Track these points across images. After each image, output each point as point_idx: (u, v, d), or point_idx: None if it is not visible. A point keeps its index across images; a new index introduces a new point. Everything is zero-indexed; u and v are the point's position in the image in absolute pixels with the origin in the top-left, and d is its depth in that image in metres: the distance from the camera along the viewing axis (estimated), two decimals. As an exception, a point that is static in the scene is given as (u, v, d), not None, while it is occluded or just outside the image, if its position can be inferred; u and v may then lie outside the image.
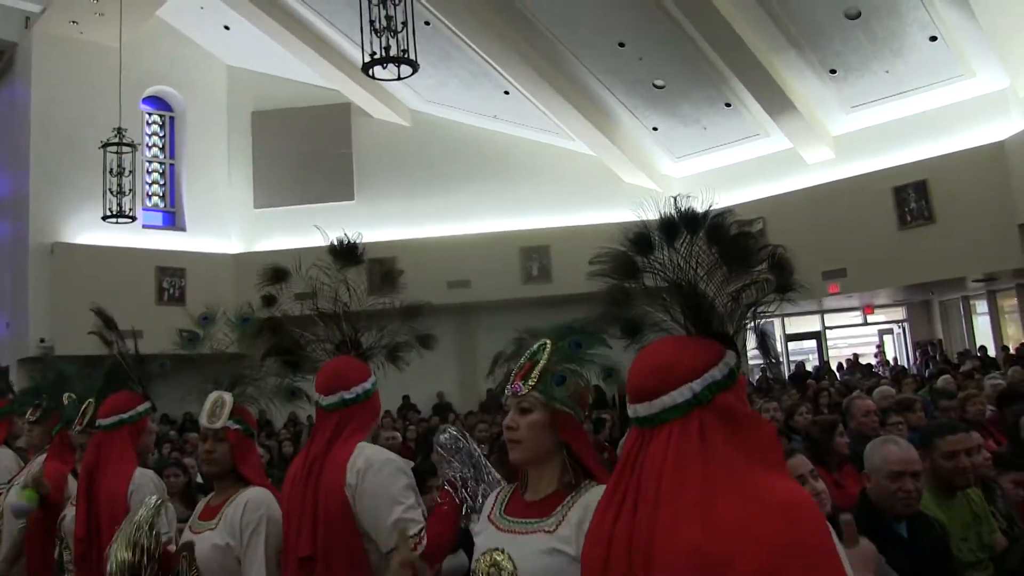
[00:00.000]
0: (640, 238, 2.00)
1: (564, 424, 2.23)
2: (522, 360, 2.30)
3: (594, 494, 2.11)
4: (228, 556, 2.87)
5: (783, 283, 1.92)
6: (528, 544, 2.16)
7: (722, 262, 1.87)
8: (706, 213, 1.97)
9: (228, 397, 3.09)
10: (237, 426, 3.08)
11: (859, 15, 14.11)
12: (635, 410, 1.77)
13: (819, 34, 14.69)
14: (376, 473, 2.81)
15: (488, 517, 2.34)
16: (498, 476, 2.80)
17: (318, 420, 3.03)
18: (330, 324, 3.19)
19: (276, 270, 3.29)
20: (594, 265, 2.05)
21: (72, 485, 4.60)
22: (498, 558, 2.18)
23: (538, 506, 2.23)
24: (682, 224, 1.95)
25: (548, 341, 2.30)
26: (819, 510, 1.58)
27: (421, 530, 2.72)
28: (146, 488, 3.59)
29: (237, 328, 3.40)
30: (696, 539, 1.53)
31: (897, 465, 3.23)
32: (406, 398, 17.73)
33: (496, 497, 2.41)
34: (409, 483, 2.87)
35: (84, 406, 3.98)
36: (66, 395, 4.47)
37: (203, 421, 3.06)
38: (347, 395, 2.98)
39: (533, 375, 2.24)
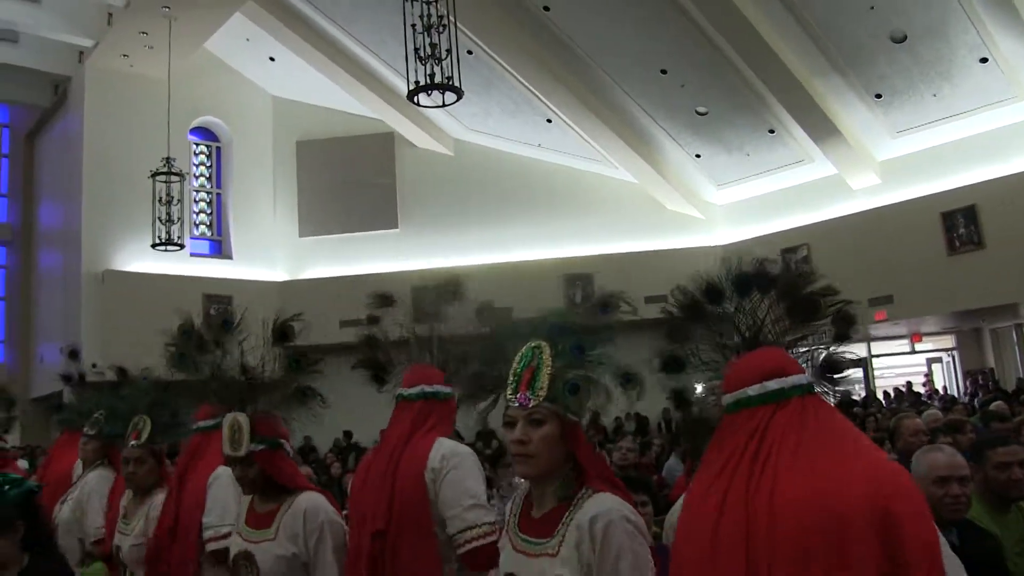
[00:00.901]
0: (712, 289, 2.17)
1: (572, 433, 2.15)
2: (517, 367, 2.16)
3: (591, 506, 2.08)
4: (294, 565, 2.91)
5: (842, 334, 2.08)
6: (536, 570, 2.10)
7: (788, 317, 2.06)
8: (778, 275, 2.14)
9: (243, 419, 3.05)
10: (260, 446, 3.03)
11: (905, 38, 13.98)
12: (746, 391, 1.95)
13: (864, 58, 14.57)
14: (460, 463, 2.96)
15: (507, 531, 2.27)
16: None
17: (397, 412, 3.21)
18: (417, 347, 3.27)
19: (383, 296, 3.36)
20: (671, 294, 2.28)
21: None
22: None
23: (542, 524, 2.15)
24: (755, 283, 2.12)
25: (542, 343, 2.17)
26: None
27: (494, 523, 2.87)
28: (223, 479, 3.85)
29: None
30: (818, 493, 1.74)
31: (943, 470, 3.19)
32: (450, 425, 17.71)
33: (514, 503, 2.33)
34: (484, 478, 3.05)
35: (137, 421, 4.00)
36: (98, 412, 4.74)
37: (226, 450, 3.05)
38: (427, 388, 3.16)
39: (540, 384, 2.12)
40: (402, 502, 2.96)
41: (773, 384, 1.92)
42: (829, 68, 14.85)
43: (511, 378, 2.17)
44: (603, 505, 2.08)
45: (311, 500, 3.03)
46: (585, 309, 2.33)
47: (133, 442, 3.97)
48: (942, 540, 1.75)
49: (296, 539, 2.92)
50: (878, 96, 15.28)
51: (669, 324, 2.25)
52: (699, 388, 5.48)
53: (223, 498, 3.93)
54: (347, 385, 3.49)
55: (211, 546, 3.91)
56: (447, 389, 3.21)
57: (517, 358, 2.18)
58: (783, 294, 2.07)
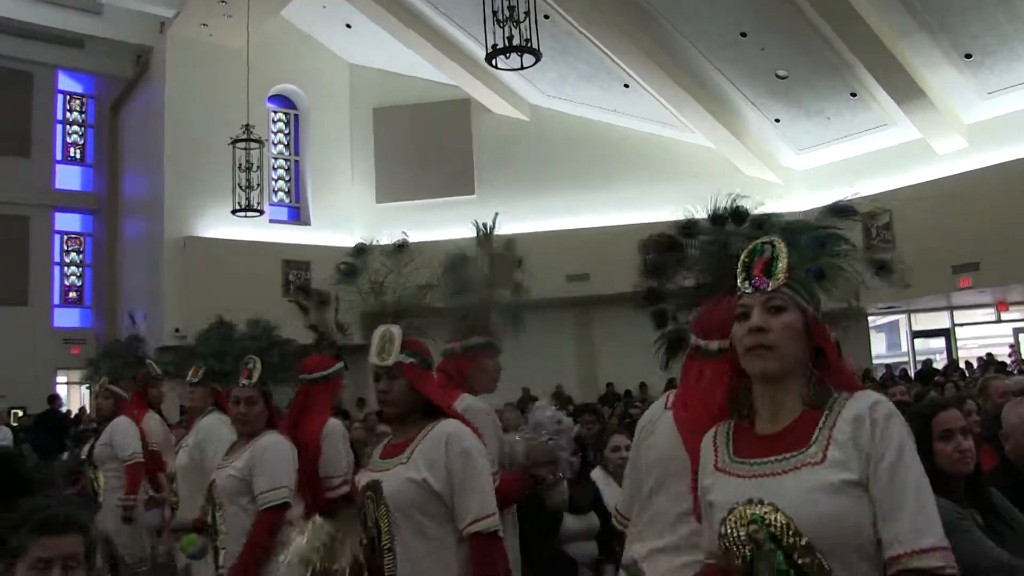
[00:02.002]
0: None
1: (817, 328, 1.89)
2: (746, 259, 1.92)
3: (854, 403, 1.81)
4: (423, 490, 2.71)
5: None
6: (795, 486, 1.75)
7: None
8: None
9: (396, 330, 2.87)
10: (411, 359, 2.85)
11: (999, -9, 13.48)
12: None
13: (953, 16, 14.06)
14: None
15: (713, 467, 1.93)
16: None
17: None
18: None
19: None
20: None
21: (156, 432, 5.92)
22: (758, 512, 1.75)
23: (786, 437, 1.83)
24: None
25: (776, 239, 1.92)
26: None
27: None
28: (335, 433, 4.32)
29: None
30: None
31: None
32: (526, 390, 17.80)
33: (711, 441, 2.00)
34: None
35: (248, 361, 4.06)
36: (198, 361, 5.07)
37: (372, 359, 2.86)
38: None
39: (779, 268, 1.87)
40: None
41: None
42: (916, 27, 14.39)
43: (739, 269, 1.93)
44: (871, 396, 1.84)
45: (454, 426, 2.84)
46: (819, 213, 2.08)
47: (244, 381, 3.98)
48: None
49: (434, 465, 2.72)
50: (968, 56, 14.75)
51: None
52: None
53: (335, 451, 4.29)
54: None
55: (330, 494, 4.19)
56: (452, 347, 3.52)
57: (745, 252, 1.94)
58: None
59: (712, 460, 1.93)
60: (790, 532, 1.70)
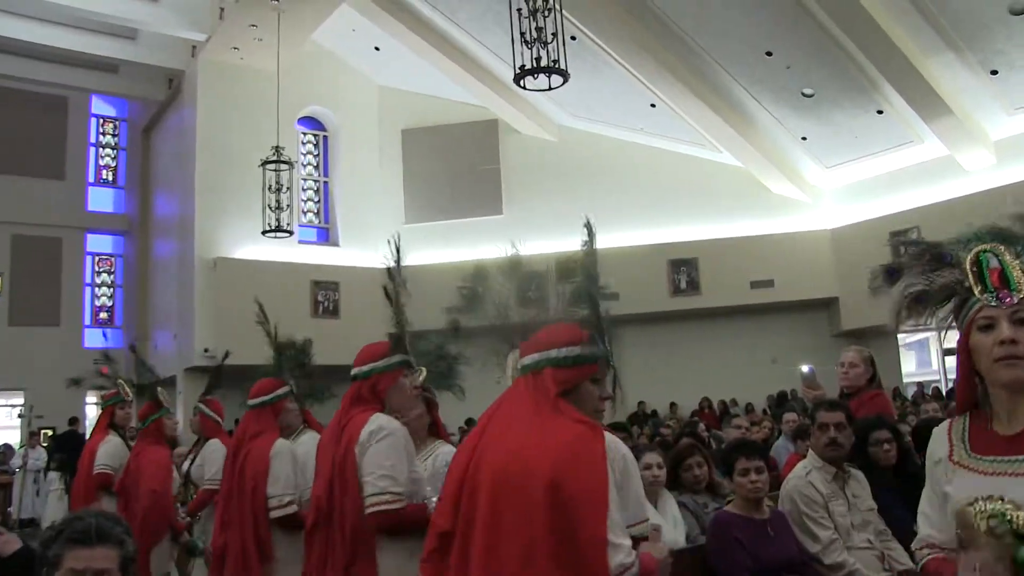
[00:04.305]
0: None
1: None
2: (975, 270, 1.98)
3: None
4: None
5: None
6: None
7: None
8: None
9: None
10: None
11: (1025, 9, 13.40)
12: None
13: (979, 33, 13.99)
14: (384, 438, 3.34)
15: (948, 459, 2.03)
16: None
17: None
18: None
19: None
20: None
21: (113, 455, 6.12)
22: (1002, 508, 1.79)
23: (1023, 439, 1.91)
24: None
25: (997, 246, 1.98)
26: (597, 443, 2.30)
27: (401, 495, 3.23)
28: (284, 453, 4.59)
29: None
30: (515, 459, 2.28)
31: None
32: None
33: (945, 434, 2.10)
34: (409, 455, 3.37)
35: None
36: (159, 389, 5.65)
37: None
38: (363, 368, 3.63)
39: (1017, 279, 1.92)
40: (340, 474, 3.34)
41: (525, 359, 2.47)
42: (942, 45, 14.33)
43: (973, 281, 1.98)
44: None
45: (610, 437, 2.92)
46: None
47: None
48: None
49: None
50: (994, 72, 14.68)
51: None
52: (804, 368, 5.40)
53: (285, 471, 4.56)
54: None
55: (275, 514, 4.46)
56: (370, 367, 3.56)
57: (970, 262, 2.00)
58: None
59: (947, 452, 2.03)
60: None
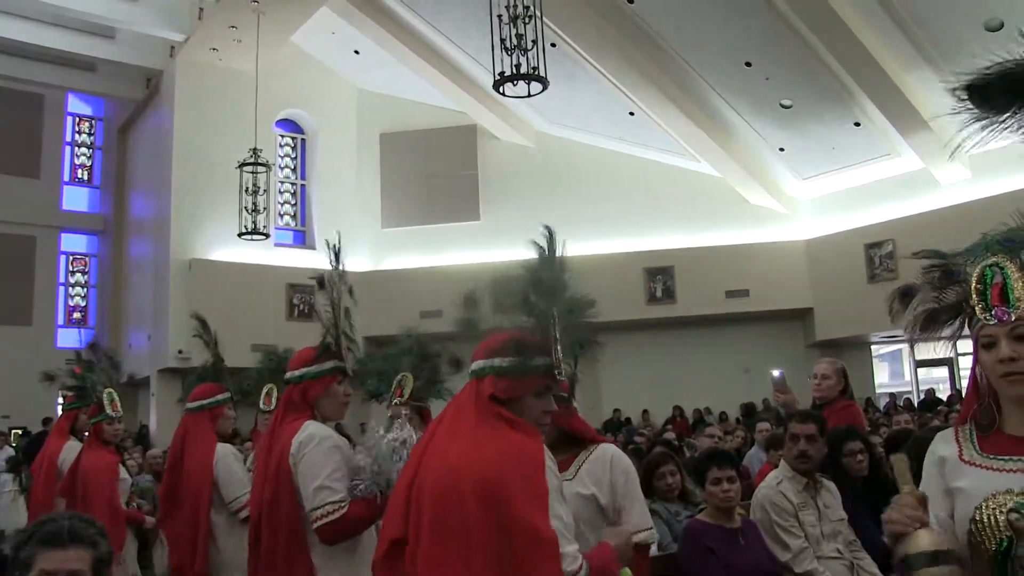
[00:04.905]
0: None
1: None
2: (979, 286, 1.99)
3: None
4: (591, 505, 2.98)
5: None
6: None
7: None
8: None
9: None
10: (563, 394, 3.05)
11: (1001, 26, 13.53)
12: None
13: (956, 48, 14.12)
14: (312, 449, 3.29)
15: (958, 458, 2.03)
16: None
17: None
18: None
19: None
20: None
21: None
22: (1021, 500, 1.84)
23: None
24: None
25: (1001, 260, 1.97)
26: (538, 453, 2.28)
27: (339, 501, 3.15)
28: (229, 456, 4.60)
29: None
30: (453, 469, 2.27)
31: None
32: (527, 418, 17.81)
33: (952, 435, 2.10)
34: (338, 456, 3.27)
35: (401, 379, 4.49)
36: (107, 391, 5.42)
37: None
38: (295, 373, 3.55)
39: (1016, 296, 1.92)
40: (273, 484, 3.31)
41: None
42: (920, 59, 14.49)
43: (975, 299, 1.99)
44: None
45: (615, 449, 3.15)
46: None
47: (396, 399, 4.38)
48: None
49: (600, 483, 3.00)
50: (970, 87, 14.83)
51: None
52: (775, 373, 5.44)
53: (230, 473, 4.59)
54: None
55: (243, 514, 4.41)
56: (302, 372, 3.48)
57: (975, 279, 2.00)
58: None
59: (957, 453, 2.03)
60: None
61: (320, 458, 3.20)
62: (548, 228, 2.75)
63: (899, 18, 13.89)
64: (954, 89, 2.05)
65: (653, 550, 4.28)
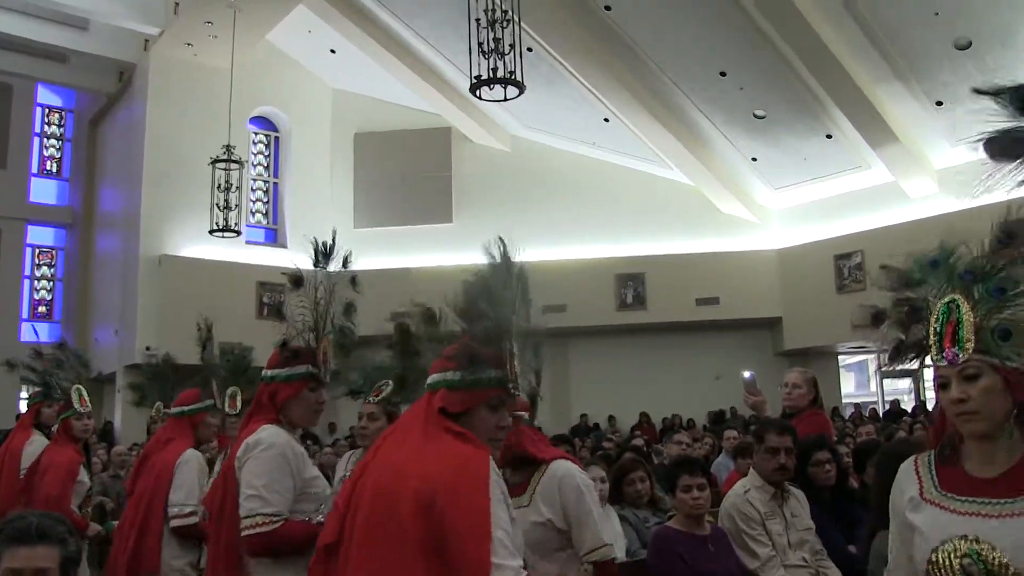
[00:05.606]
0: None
1: (1018, 383, 1.96)
2: (936, 326, 2.04)
3: None
4: (549, 530, 2.96)
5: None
6: (1014, 531, 1.89)
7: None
8: None
9: None
10: (519, 414, 3.00)
11: (969, 45, 13.75)
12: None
13: (926, 65, 14.35)
14: (256, 455, 3.15)
15: (919, 495, 2.09)
16: None
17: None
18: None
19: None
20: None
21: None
22: (976, 548, 1.91)
23: (1003, 483, 1.97)
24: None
25: (956, 297, 2.03)
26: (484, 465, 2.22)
27: (271, 515, 3.00)
28: (192, 462, 4.53)
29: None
30: (392, 476, 2.24)
31: None
32: (496, 421, 17.79)
33: (912, 470, 2.15)
34: (281, 467, 3.10)
35: (382, 384, 4.41)
36: (76, 387, 5.35)
37: None
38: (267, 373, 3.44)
39: (966, 336, 1.98)
40: (223, 488, 3.24)
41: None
42: (891, 74, 14.68)
43: (932, 338, 2.05)
44: None
45: (566, 467, 3.09)
46: (990, 243, 2.13)
47: (372, 398, 4.29)
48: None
49: (553, 506, 2.98)
50: (939, 103, 15.04)
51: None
52: (746, 374, 5.48)
53: (190, 480, 4.47)
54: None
55: (175, 523, 4.39)
56: (273, 373, 3.35)
57: (934, 318, 2.05)
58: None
59: (917, 489, 2.10)
60: (1009, 572, 1.86)
61: (262, 466, 3.05)
62: (501, 238, 2.73)
63: (872, 32, 14.06)
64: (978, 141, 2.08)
65: (621, 556, 4.30)
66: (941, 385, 2.04)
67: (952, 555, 1.93)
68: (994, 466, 2.00)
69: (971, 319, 1.99)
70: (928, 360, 2.07)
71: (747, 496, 4.25)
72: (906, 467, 2.18)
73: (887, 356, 2.20)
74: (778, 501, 4.26)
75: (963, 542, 1.93)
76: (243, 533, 2.99)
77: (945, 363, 2.00)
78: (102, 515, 6.65)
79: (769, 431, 4.35)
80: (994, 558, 1.87)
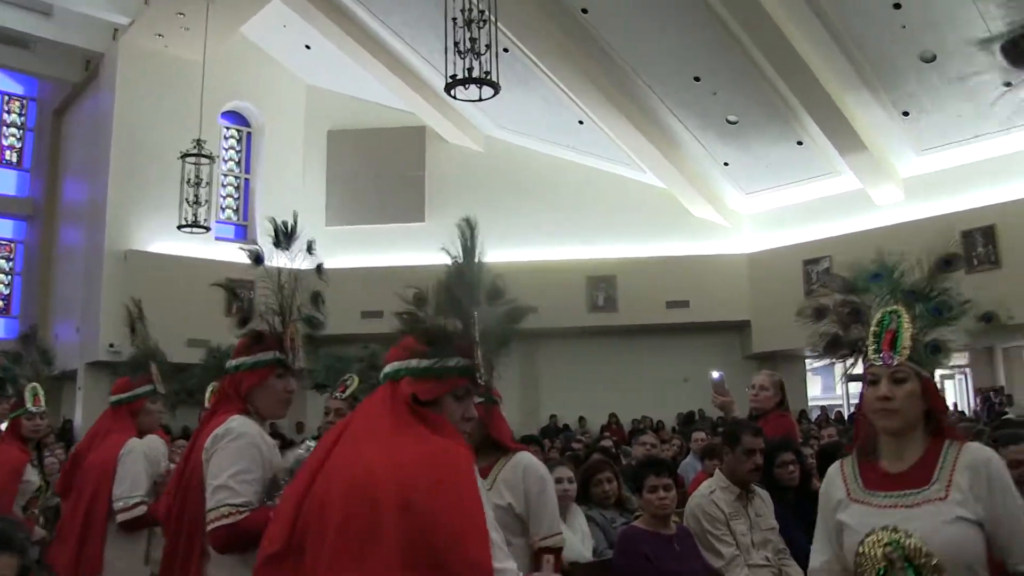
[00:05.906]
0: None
1: (931, 390, 2.29)
2: (877, 330, 2.32)
3: (967, 454, 2.25)
4: (507, 515, 2.96)
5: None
6: (927, 517, 2.18)
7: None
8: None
9: None
10: (480, 399, 2.76)
11: (934, 58, 14.01)
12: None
13: (894, 75, 14.60)
14: (224, 445, 2.98)
15: (847, 497, 2.35)
16: None
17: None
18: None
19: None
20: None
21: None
22: (895, 537, 2.18)
23: (912, 475, 2.27)
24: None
25: (899, 309, 2.33)
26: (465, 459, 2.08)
27: (239, 506, 2.78)
28: (136, 452, 4.23)
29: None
30: (364, 474, 2.03)
31: None
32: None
33: (839, 474, 2.42)
34: (250, 456, 2.90)
35: (347, 379, 4.40)
36: (31, 385, 5.11)
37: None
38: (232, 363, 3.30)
39: (903, 344, 2.27)
40: (183, 480, 3.08)
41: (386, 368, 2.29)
42: (860, 83, 14.87)
43: (871, 340, 2.33)
44: (984, 451, 2.29)
45: (529, 458, 3.15)
46: (930, 265, 2.45)
47: (338, 394, 4.28)
48: None
49: (515, 490, 3.02)
50: (905, 113, 15.30)
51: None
52: (714, 374, 5.55)
53: (135, 470, 4.23)
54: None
55: (122, 517, 4.17)
56: (238, 362, 3.22)
57: (875, 321, 2.33)
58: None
59: (844, 491, 2.37)
60: (922, 554, 2.13)
61: (230, 455, 2.86)
62: (468, 221, 2.58)
63: (843, 43, 14.28)
64: (983, 41, 2.17)
65: (588, 556, 4.30)
66: (871, 382, 2.30)
67: (876, 544, 2.19)
68: (904, 461, 2.28)
69: (910, 331, 2.27)
70: (860, 360, 2.38)
71: (712, 497, 4.32)
72: (832, 473, 2.44)
73: (822, 347, 2.51)
74: (743, 502, 4.33)
75: (884, 532, 2.19)
76: (209, 527, 2.77)
77: (881, 363, 2.27)
78: (56, 517, 6.50)
79: (745, 432, 4.40)
80: (910, 543, 2.14)
